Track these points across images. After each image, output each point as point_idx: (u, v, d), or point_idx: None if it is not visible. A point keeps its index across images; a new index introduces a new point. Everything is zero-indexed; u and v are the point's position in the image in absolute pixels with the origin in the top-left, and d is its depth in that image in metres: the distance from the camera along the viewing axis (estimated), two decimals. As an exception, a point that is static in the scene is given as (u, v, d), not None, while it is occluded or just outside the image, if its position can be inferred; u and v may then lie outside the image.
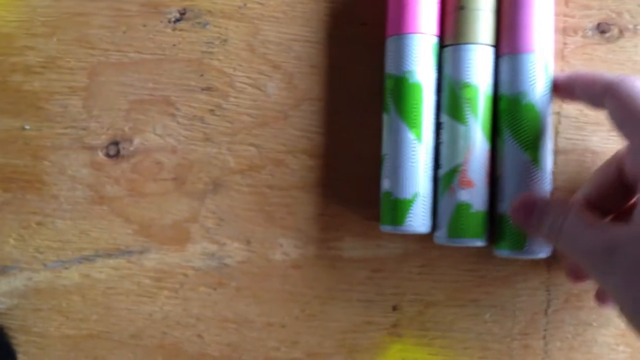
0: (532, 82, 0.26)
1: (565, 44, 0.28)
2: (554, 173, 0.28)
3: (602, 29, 0.28)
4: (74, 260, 0.29)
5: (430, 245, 0.27)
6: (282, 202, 0.29)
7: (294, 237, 0.28)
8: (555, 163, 0.28)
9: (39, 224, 0.29)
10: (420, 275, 0.28)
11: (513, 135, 0.26)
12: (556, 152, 0.28)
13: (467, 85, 0.26)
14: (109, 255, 0.29)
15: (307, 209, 0.29)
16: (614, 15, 0.28)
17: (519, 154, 0.26)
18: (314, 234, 0.29)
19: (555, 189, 0.28)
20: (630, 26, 0.28)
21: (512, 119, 0.26)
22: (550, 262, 0.28)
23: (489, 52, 0.26)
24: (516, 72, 0.26)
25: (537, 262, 0.28)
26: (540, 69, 0.26)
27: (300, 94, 0.29)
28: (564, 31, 0.28)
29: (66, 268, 0.29)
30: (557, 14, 0.28)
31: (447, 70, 0.27)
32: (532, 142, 0.26)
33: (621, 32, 0.28)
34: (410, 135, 0.26)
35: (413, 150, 0.26)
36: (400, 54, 0.27)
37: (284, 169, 0.28)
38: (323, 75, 0.29)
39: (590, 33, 0.28)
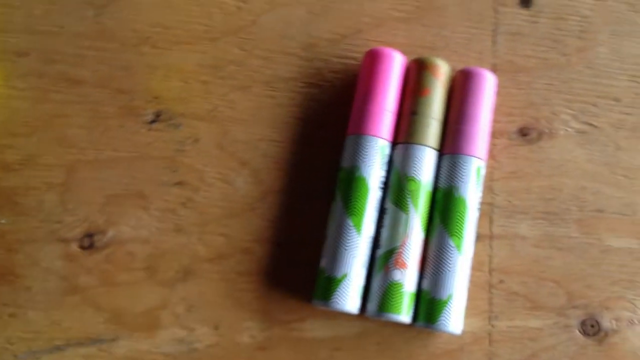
0: (466, 179, 0.32)
1: (494, 144, 0.34)
2: (490, 255, 0.33)
3: (523, 132, 0.34)
4: (45, 351, 0.32)
5: (385, 323, 0.32)
6: (249, 287, 0.33)
7: (260, 320, 0.32)
8: (491, 247, 0.33)
9: (11, 315, 0.32)
10: (377, 352, 0.32)
11: (443, 222, 0.31)
12: (491, 237, 0.34)
13: (411, 179, 0.32)
14: (80, 344, 0.32)
15: (273, 293, 0.33)
16: (532, 121, 0.34)
17: (446, 239, 0.31)
18: (279, 316, 0.32)
19: (491, 270, 0.33)
20: (547, 130, 0.34)
21: (444, 208, 0.32)
22: (492, 335, 0.32)
23: (433, 153, 0.32)
24: (453, 169, 0.32)
25: (480, 336, 0.32)
26: (473, 169, 0.32)
27: (265, 187, 0.33)
28: (492, 134, 0.34)
29: (37, 358, 0.31)
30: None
31: (396, 164, 0.32)
32: (457, 230, 0.31)
33: (540, 135, 0.34)
34: (349, 223, 0.31)
35: (349, 236, 0.31)
36: (354, 151, 0.31)
37: (251, 256, 0.32)
38: (286, 170, 0.33)
39: (514, 136, 0.34)
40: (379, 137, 0.32)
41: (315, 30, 0.35)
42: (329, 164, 0.33)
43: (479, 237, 0.33)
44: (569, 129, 0.34)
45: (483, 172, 0.33)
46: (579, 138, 0.34)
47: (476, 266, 0.32)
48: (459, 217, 0.31)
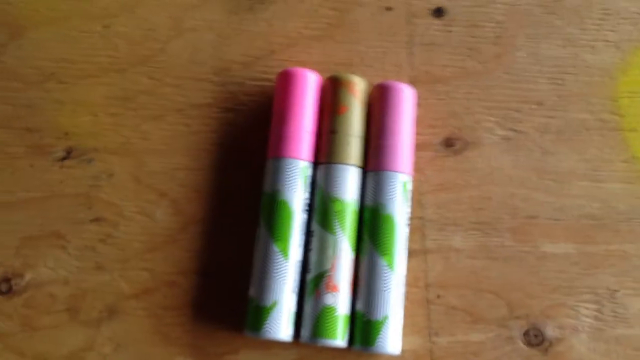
0: (392, 196, 0.32)
1: (419, 157, 0.35)
2: (425, 270, 0.33)
3: (448, 143, 0.35)
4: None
5: (322, 348, 0.32)
6: (177, 321, 0.33)
7: (191, 354, 0.32)
8: (426, 261, 0.34)
9: None
10: (317, 379, 0.32)
11: (372, 241, 0.32)
12: (424, 252, 0.34)
13: (336, 200, 0.32)
14: (1, 395, 0.31)
15: (203, 326, 0.33)
16: (456, 131, 0.35)
17: (377, 258, 0.32)
18: (211, 349, 0.33)
19: (427, 285, 0.33)
20: (471, 139, 0.35)
21: (372, 227, 0.32)
22: (433, 352, 0.32)
23: (357, 171, 0.32)
24: (379, 186, 0.33)
25: (421, 354, 0.33)
26: (399, 184, 0.32)
27: (186, 217, 0.34)
28: (417, 147, 0.35)
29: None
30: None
31: (320, 185, 0.33)
32: (388, 248, 0.31)
33: (465, 145, 0.35)
34: (275, 248, 0.31)
35: (277, 262, 0.31)
36: (274, 175, 0.32)
37: (177, 289, 0.32)
38: (207, 198, 0.34)
39: (438, 147, 0.35)
40: (299, 158, 0.32)
41: (227, 53, 0.35)
42: (251, 189, 0.33)
43: (412, 253, 0.33)
44: (493, 137, 0.35)
45: (410, 186, 0.33)
46: (505, 145, 0.34)
47: (412, 282, 0.33)
48: (388, 235, 0.31)
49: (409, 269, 0.33)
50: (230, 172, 0.34)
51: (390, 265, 0.31)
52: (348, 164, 0.32)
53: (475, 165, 0.34)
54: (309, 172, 0.32)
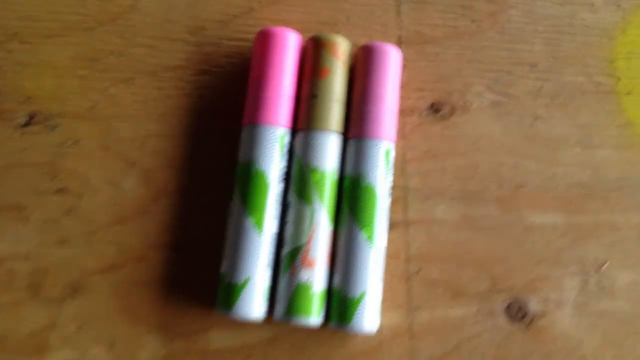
0: (374, 165, 0.31)
1: (404, 123, 0.34)
2: (406, 243, 0.32)
3: (435, 108, 0.34)
4: None
5: (297, 327, 0.32)
6: (145, 298, 0.32)
7: (161, 333, 0.31)
8: (407, 233, 0.33)
9: None
10: (290, 357, 0.32)
11: (351, 213, 0.31)
12: (406, 223, 0.33)
13: (315, 169, 0.31)
14: (-39, 374, 0.30)
15: (172, 303, 0.32)
16: (444, 95, 0.34)
17: (356, 231, 0.30)
18: (180, 328, 0.31)
19: (408, 258, 0.32)
20: (460, 104, 0.34)
21: (351, 198, 0.31)
22: (413, 328, 0.32)
23: (337, 139, 0.31)
24: (360, 154, 0.31)
25: (399, 331, 0.32)
26: (381, 153, 0.31)
27: (157, 188, 0.32)
28: (402, 112, 0.34)
29: None
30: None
31: (297, 153, 0.31)
32: (368, 220, 0.30)
33: (452, 110, 0.34)
34: (249, 222, 0.30)
35: (250, 236, 0.30)
36: (249, 143, 0.30)
37: (146, 264, 0.31)
38: (180, 168, 0.32)
39: (425, 113, 0.33)
40: (276, 125, 0.30)
41: (203, 11, 0.34)
42: (226, 158, 0.32)
43: (393, 224, 0.32)
44: (483, 101, 0.34)
45: (393, 155, 0.32)
46: (494, 110, 0.34)
47: (392, 255, 0.32)
48: (368, 207, 0.30)
49: (390, 241, 0.32)
50: (206, 139, 0.33)
51: (370, 238, 0.30)
52: (328, 131, 0.31)
53: (463, 132, 0.33)
54: (286, 139, 0.31)
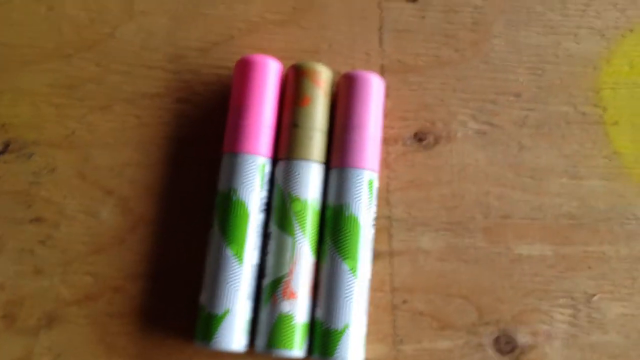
0: (357, 195, 0.30)
1: (388, 153, 0.33)
2: (391, 274, 0.31)
3: (419, 137, 0.33)
4: None
5: (278, 359, 0.30)
6: (122, 330, 0.31)
7: None
8: (392, 264, 0.32)
9: None
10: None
11: (334, 244, 0.30)
12: (391, 254, 0.32)
13: (296, 199, 0.30)
14: None
15: (150, 335, 0.31)
16: (428, 124, 0.33)
17: (339, 263, 0.30)
18: None
19: (393, 290, 0.32)
20: (444, 133, 0.33)
21: (334, 228, 0.30)
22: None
23: (319, 168, 0.30)
24: (342, 185, 0.30)
25: None
26: (364, 183, 0.30)
27: (135, 217, 0.32)
28: (385, 141, 0.33)
29: None
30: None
31: (279, 183, 0.31)
32: (351, 252, 0.29)
33: (437, 139, 0.33)
34: (229, 252, 0.29)
35: (230, 267, 0.29)
36: (229, 172, 0.30)
37: (123, 295, 0.30)
38: (158, 197, 0.32)
39: (409, 142, 0.33)
40: (257, 154, 0.30)
41: (182, 39, 0.33)
42: (206, 187, 0.32)
43: (378, 255, 0.32)
44: (467, 130, 0.33)
45: (376, 184, 0.31)
46: (479, 139, 0.33)
47: (377, 286, 0.31)
48: (351, 238, 0.30)
49: (374, 272, 0.31)
50: (184, 168, 0.32)
51: (353, 270, 0.29)
52: (310, 160, 0.30)
53: (447, 161, 0.33)
54: (267, 168, 0.31)
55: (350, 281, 0.29)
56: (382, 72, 0.34)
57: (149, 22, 0.34)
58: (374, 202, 0.31)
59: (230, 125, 0.31)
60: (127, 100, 0.33)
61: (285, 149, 0.31)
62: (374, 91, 0.31)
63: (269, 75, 0.31)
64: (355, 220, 0.30)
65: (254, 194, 0.30)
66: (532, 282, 0.31)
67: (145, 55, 0.33)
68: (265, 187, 0.30)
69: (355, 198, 0.30)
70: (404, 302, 0.31)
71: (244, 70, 0.31)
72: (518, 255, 0.32)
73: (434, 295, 0.31)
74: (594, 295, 0.31)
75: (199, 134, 0.33)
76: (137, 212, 0.32)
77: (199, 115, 0.33)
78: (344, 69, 0.33)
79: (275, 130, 0.31)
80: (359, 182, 0.30)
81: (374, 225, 0.32)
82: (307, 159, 0.30)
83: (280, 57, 0.32)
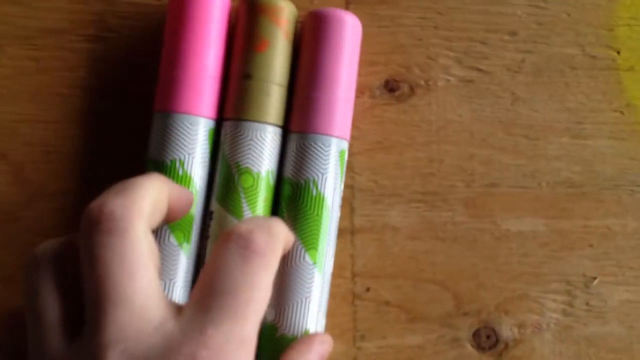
0: (323, 169, 0.27)
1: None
2: (352, 256, 0.29)
3: (390, 86, 0.30)
4: None
5: None
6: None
7: None
8: (353, 244, 0.29)
9: None
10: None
11: (294, 231, 0.26)
12: (352, 231, 0.29)
13: (246, 171, 0.26)
14: None
15: None
16: (402, 70, 0.30)
17: (300, 254, 0.26)
18: None
19: (354, 275, 0.29)
20: (421, 82, 0.30)
21: (294, 210, 0.27)
22: None
23: (277, 133, 0.27)
24: (305, 155, 0.27)
25: None
26: (333, 154, 0.27)
27: (33, 188, 0.29)
28: None
29: None
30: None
31: (224, 151, 0.27)
32: (314, 240, 0.26)
33: (412, 89, 0.30)
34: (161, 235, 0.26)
35: (163, 253, 0.26)
36: (163, 137, 0.26)
37: (19, 285, 0.26)
38: (63, 163, 0.29)
39: (378, 92, 0.30)
40: (196, 114, 0.26)
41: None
42: (128, 152, 0.29)
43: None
44: (450, 78, 0.30)
45: (346, 155, 0.28)
46: (464, 89, 0.30)
47: (334, 271, 0.29)
48: (315, 223, 0.26)
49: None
50: (98, 128, 0.29)
51: (317, 264, 0.26)
52: (265, 123, 0.26)
53: (424, 117, 0.30)
54: (209, 132, 0.27)
55: (312, 277, 0.26)
56: (347, 4, 0.30)
57: None
58: (343, 178, 0.28)
59: (162, 76, 0.26)
60: (23, 38, 0.29)
61: (234, 108, 0.26)
62: (349, 35, 0.27)
63: (214, 9, 0.27)
64: (320, 201, 0.26)
65: (194, 164, 0.26)
66: (520, 263, 0.30)
67: (44, -22, 0.29)
68: (207, 156, 0.27)
69: (322, 173, 0.26)
70: (367, 290, 0.29)
71: (180, 3, 0.26)
72: (505, 232, 0.30)
73: (403, 281, 0.29)
74: (594, 278, 0.30)
75: (116, 83, 0.29)
76: (36, 182, 0.29)
77: (117, 59, 0.29)
78: (309, 6, 0.29)
79: (221, 83, 0.27)
80: (327, 153, 0.26)
81: (341, 206, 0.29)
82: (261, 121, 0.26)
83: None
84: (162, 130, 0.26)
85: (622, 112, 0.30)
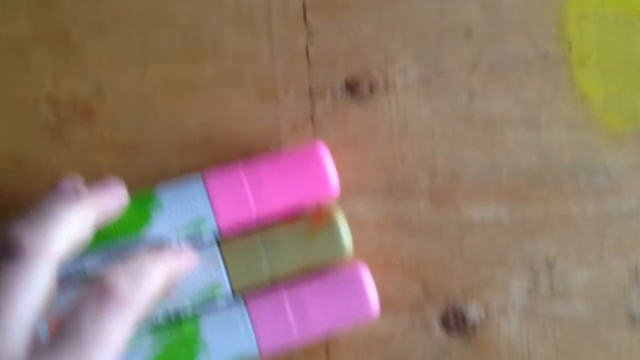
0: None
1: (314, 106, 0.30)
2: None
3: (351, 86, 0.30)
4: None
5: None
6: None
7: None
8: None
9: None
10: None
11: None
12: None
13: None
14: None
15: None
16: (361, 71, 0.30)
17: None
18: None
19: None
20: (381, 82, 0.30)
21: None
22: (328, 348, 0.29)
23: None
24: None
25: (313, 353, 0.29)
26: None
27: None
28: (312, 93, 0.30)
29: None
30: (300, 75, 0.30)
31: None
32: None
33: (372, 88, 0.30)
34: None
35: None
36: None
37: None
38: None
39: (339, 93, 0.30)
40: None
41: None
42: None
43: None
44: (408, 77, 0.30)
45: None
46: (423, 87, 0.30)
47: None
48: None
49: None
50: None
51: None
52: None
53: (385, 115, 0.30)
54: None
55: None
56: (305, 10, 0.30)
57: None
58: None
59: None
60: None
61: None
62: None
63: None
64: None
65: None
66: (485, 250, 0.30)
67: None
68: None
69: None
70: (336, 278, 0.29)
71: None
72: (469, 221, 0.30)
73: (371, 269, 0.29)
74: (556, 259, 0.30)
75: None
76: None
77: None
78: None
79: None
80: None
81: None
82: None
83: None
84: None
85: (575, 105, 0.30)
